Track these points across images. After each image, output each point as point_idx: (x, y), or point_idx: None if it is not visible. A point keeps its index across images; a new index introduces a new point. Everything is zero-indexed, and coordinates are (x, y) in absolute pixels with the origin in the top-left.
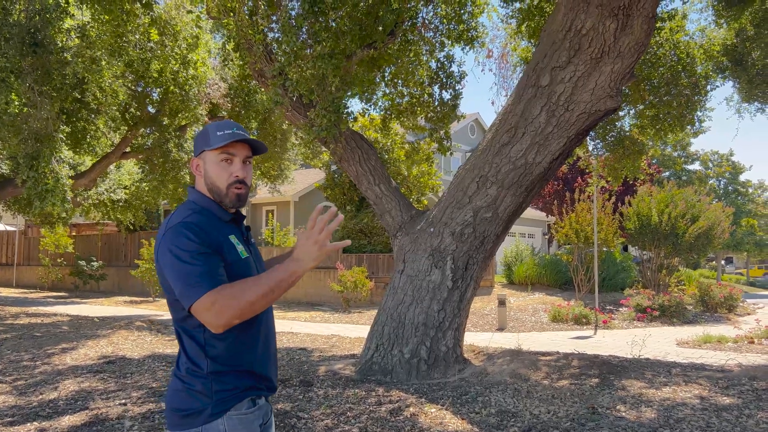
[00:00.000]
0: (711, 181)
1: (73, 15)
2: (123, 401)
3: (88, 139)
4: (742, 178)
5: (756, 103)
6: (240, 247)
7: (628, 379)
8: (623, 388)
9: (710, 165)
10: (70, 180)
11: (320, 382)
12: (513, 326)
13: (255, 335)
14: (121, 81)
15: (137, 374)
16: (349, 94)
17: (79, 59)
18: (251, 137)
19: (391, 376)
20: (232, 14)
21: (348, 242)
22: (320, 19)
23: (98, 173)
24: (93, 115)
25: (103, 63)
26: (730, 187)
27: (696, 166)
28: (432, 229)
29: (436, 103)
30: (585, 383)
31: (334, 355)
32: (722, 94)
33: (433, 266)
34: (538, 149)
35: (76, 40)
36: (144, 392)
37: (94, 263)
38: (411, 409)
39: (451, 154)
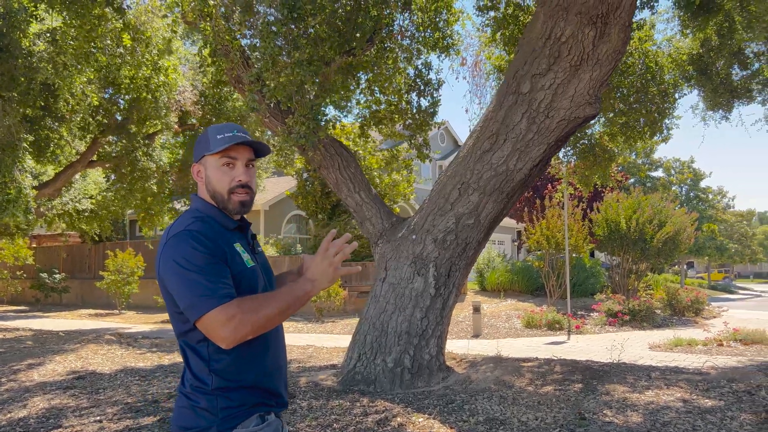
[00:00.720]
0: (673, 188)
1: (42, 19)
2: (98, 418)
3: (51, 148)
4: (703, 184)
5: (720, 111)
6: (246, 256)
7: (611, 384)
8: (607, 393)
9: (672, 172)
10: (33, 190)
11: (302, 394)
12: (488, 333)
13: (262, 348)
14: (93, 87)
15: (110, 389)
16: (327, 101)
17: (49, 65)
18: (253, 139)
19: (375, 385)
20: (208, 19)
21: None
22: (299, 25)
23: (63, 182)
24: (57, 123)
25: (73, 69)
26: (691, 194)
27: (659, 173)
28: (414, 237)
29: (414, 111)
30: (569, 389)
31: (313, 365)
32: (687, 102)
33: (416, 273)
34: (519, 156)
35: (42, 45)
36: (119, 408)
37: (57, 275)
38: (398, 419)
39: (430, 160)
